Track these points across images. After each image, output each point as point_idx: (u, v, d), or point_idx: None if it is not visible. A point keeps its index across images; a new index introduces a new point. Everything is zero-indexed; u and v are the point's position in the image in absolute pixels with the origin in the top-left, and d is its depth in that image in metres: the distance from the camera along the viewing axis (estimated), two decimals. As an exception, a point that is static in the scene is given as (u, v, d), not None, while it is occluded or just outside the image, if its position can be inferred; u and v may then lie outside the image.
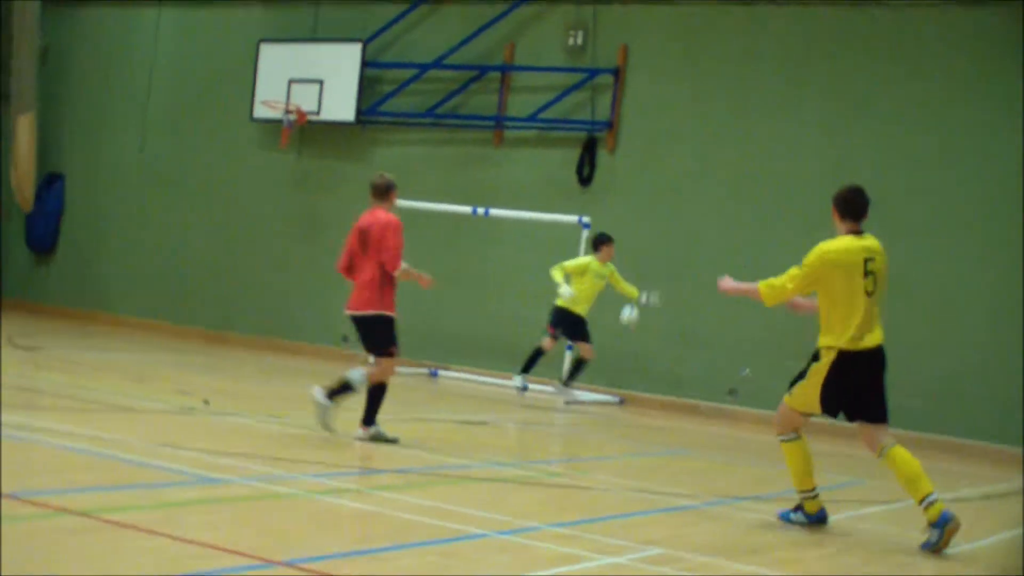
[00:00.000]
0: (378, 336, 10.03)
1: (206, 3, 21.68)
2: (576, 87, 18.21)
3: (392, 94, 19.49)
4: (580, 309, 15.74)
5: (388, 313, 10.00)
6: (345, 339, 19.41)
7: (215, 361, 17.02)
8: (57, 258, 22.81)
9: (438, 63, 19.15)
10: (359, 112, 19.47)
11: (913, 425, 15.58)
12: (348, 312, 10.19)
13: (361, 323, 10.09)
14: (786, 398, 8.24)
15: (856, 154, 16.33)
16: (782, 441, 8.29)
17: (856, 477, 11.62)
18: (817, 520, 8.27)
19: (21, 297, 22.84)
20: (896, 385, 15.94)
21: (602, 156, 18.05)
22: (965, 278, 15.72)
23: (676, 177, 17.56)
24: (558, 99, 18.27)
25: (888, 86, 16.33)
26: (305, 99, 19.67)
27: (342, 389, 9.97)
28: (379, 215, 10.22)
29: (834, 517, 8.67)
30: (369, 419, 10.09)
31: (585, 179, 18.05)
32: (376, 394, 10.06)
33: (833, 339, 8.06)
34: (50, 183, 22.70)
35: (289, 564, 5.63)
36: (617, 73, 17.89)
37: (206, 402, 11.45)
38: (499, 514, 7.50)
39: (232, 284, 21.07)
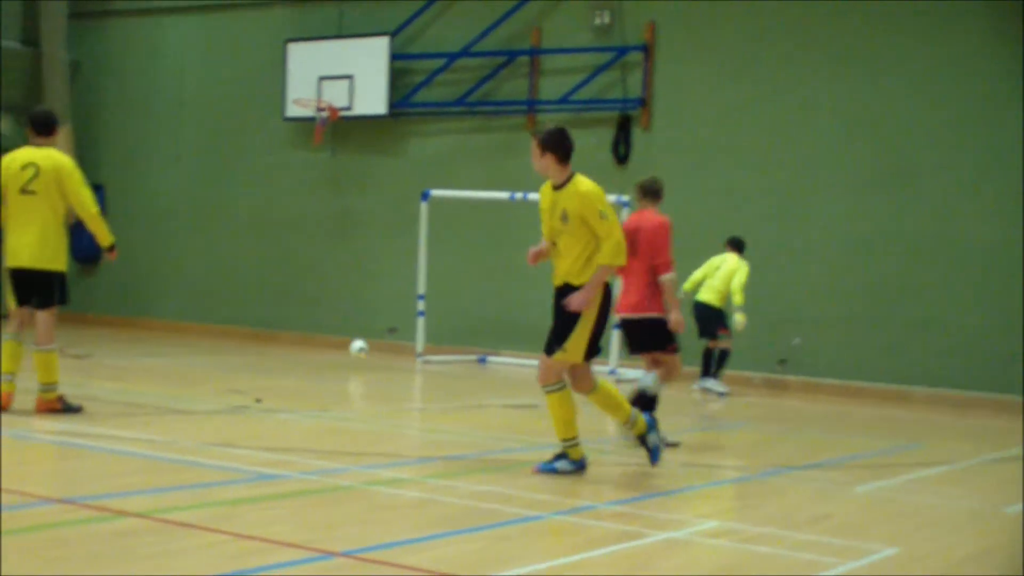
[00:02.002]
0: (653, 338, 9.88)
1: (230, 8, 21.71)
2: (606, 66, 18.08)
3: (422, 85, 19.44)
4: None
5: (660, 315, 9.78)
6: (391, 331, 19.49)
7: (261, 360, 17.03)
8: (102, 268, 22.95)
9: (466, 51, 19.09)
10: (391, 105, 19.43)
11: (948, 383, 15.58)
12: (620, 314, 9.97)
13: (633, 326, 9.94)
14: (559, 355, 8.14)
15: (875, 121, 16.22)
16: (548, 392, 8.27)
17: (910, 441, 11.53)
18: (580, 467, 8.32)
19: (68, 308, 23.06)
20: (927, 344, 16.13)
21: (637, 134, 17.92)
22: (983, 238, 15.61)
23: (712, 150, 17.42)
24: (589, 80, 18.15)
25: (900, 51, 16.22)
26: (336, 96, 19.67)
27: (641, 400, 9.70)
28: (649, 216, 9.95)
29: (891, 481, 8.64)
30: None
31: (622, 158, 17.92)
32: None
33: None
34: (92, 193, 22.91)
35: (348, 555, 5.65)
36: (646, 49, 17.76)
37: (258, 400, 11.53)
38: (555, 496, 7.50)
39: (274, 283, 21.10)
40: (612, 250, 8.05)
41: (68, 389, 10.55)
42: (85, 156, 22.30)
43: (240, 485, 7.40)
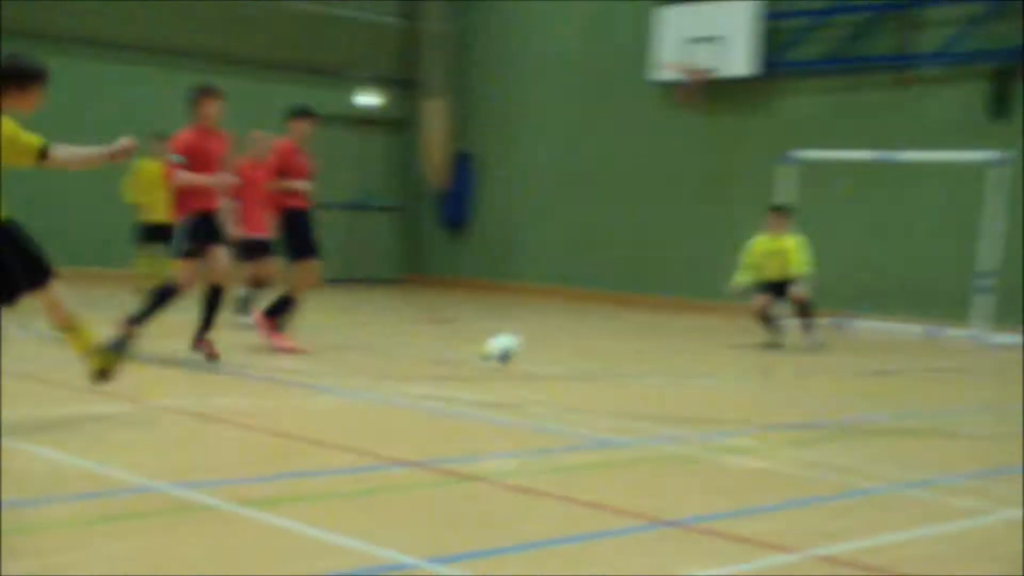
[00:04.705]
0: None
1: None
2: (983, 17, 17.74)
3: (792, 44, 19.57)
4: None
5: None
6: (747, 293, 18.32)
7: (622, 324, 17.08)
8: (470, 234, 24.04)
9: (839, 8, 19.20)
10: (760, 65, 19.72)
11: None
12: None
13: None
14: None
15: None
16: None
17: None
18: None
19: (438, 272, 24.36)
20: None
21: (1018, 88, 17.49)
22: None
23: None
24: (966, 31, 17.83)
25: None
26: (705, 57, 20.09)
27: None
28: None
29: None
30: None
31: (999, 112, 17.54)
32: None
33: None
34: (462, 163, 24.19)
35: (680, 524, 5.71)
36: (1024, -2, 17.39)
37: (609, 365, 11.87)
38: (901, 467, 7.41)
39: (639, 246, 21.47)
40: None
41: (430, 353, 11.53)
42: (457, 127, 23.58)
43: (584, 451, 7.55)
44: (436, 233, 24.97)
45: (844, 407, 10.41)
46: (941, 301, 17.48)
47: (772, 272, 14.83)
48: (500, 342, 11.33)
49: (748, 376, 12.57)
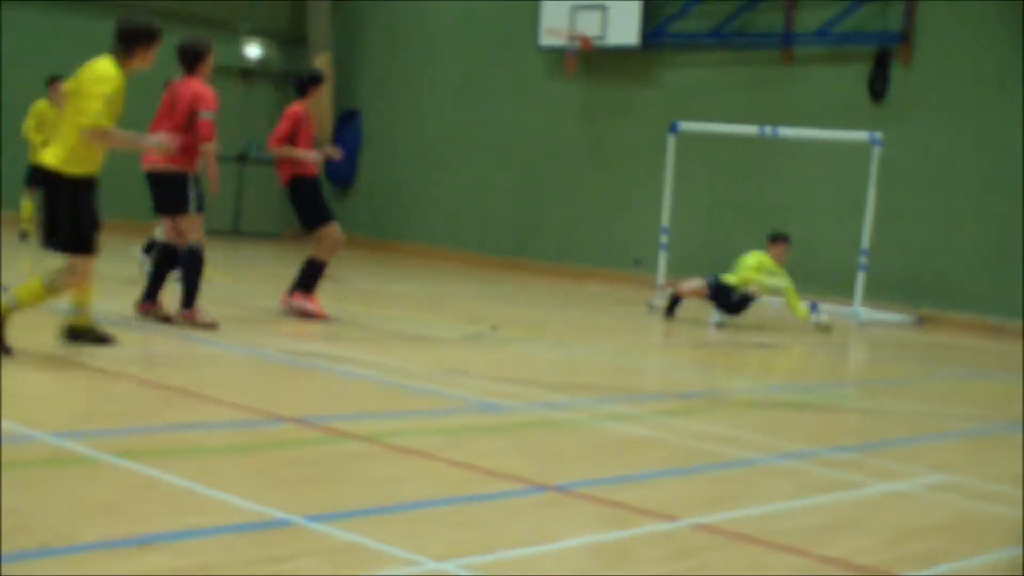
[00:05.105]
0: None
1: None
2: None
3: (677, 16, 19.39)
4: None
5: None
6: (637, 262, 19.44)
7: (507, 288, 17.13)
8: (356, 191, 23.61)
9: None
10: (644, 36, 19.47)
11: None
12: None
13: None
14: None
15: None
16: None
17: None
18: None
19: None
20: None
21: (896, 69, 17.52)
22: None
23: (980, 87, 16.88)
24: (847, 12, 17.75)
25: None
26: (589, 25, 19.85)
27: None
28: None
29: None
30: None
31: (877, 94, 17.56)
32: None
33: None
34: (348, 120, 23.65)
35: (561, 489, 5.75)
36: (907, -19, 17.41)
37: (494, 328, 11.74)
38: (779, 439, 7.54)
39: (525, 212, 21.31)
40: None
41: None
42: (343, 84, 23.10)
43: (468, 414, 7.58)
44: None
45: (727, 379, 10.57)
46: (828, 278, 17.61)
47: (740, 278, 14.30)
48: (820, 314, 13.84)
49: (635, 345, 12.70)
